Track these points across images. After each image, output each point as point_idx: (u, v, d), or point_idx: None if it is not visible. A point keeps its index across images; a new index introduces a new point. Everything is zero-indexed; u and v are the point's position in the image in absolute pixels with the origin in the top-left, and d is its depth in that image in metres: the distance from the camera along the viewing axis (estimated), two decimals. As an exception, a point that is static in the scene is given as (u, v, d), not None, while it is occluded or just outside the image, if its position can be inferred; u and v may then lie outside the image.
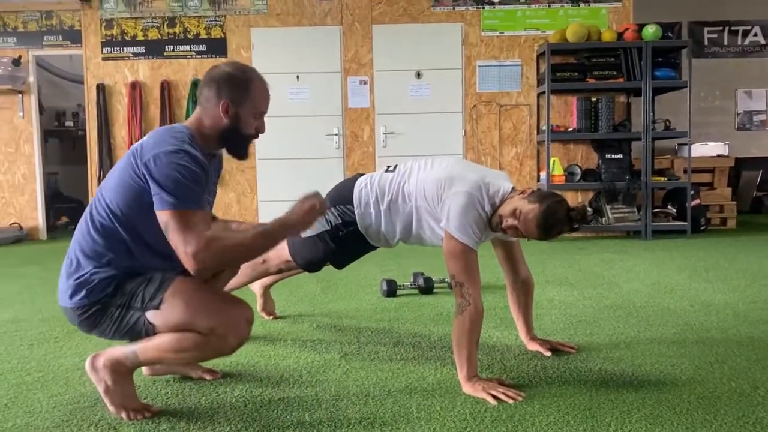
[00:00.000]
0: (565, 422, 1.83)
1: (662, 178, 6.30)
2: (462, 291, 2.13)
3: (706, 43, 8.95)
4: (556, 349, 2.51)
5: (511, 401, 1.99)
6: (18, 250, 6.09)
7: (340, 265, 2.65)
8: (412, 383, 2.19)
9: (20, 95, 6.81)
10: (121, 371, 1.93)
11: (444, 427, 1.81)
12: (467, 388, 2.08)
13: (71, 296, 1.86)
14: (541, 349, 2.49)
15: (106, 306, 1.85)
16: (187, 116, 6.36)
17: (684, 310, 3.17)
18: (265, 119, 2.02)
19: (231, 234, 1.84)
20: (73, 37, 6.66)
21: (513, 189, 2.25)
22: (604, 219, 6.20)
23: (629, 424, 1.81)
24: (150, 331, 1.85)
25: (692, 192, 6.26)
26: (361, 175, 2.56)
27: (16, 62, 6.66)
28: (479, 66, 6.45)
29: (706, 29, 8.93)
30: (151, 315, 1.84)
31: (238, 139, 1.96)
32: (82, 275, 1.85)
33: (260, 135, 2.01)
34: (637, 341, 2.65)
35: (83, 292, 1.85)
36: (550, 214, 2.09)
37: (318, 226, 2.51)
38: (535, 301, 3.12)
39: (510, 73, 6.46)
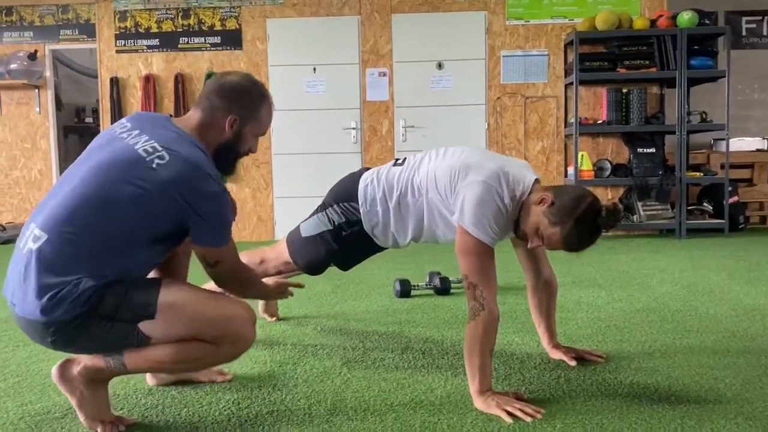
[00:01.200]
0: (590, 446, 1.58)
1: (698, 174, 5.95)
2: (475, 293, 1.88)
3: (744, 33, 8.51)
4: (582, 358, 2.25)
5: (528, 419, 1.74)
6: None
7: (344, 267, 2.42)
8: (418, 396, 1.95)
9: (37, 90, 6.71)
10: (99, 380, 1.72)
11: (450, 450, 1.58)
12: (479, 403, 1.84)
13: (48, 311, 1.56)
14: (565, 358, 2.24)
15: (87, 318, 1.59)
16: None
17: (725, 315, 2.88)
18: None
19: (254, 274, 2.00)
20: (89, 30, 6.54)
21: (536, 181, 2.01)
22: (635, 217, 5.88)
23: (666, 450, 1.55)
24: (144, 342, 1.62)
25: (730, 188, 5.91)
26: (367, 169, 2.33)
27: (32, 56, 6.57)
28: (503, 56, 6.17)
29: (744, 19, 8.50)
30: (145, 326, 1.61)
31: (232, 155, 1.85)
32: (61, 285, 1.56)
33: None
34: (673, 350, 2.38)
35: (65, 306, 1.55)
36: (573, 237, 1.89)
37: (319, 225, 2.30)
38: (560, 304, 2.87)
39: (536, 64, 6.16)
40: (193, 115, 1.78)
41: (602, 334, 2.61)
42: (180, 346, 1.63)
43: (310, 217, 2.37)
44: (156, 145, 1.64)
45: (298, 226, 2.40)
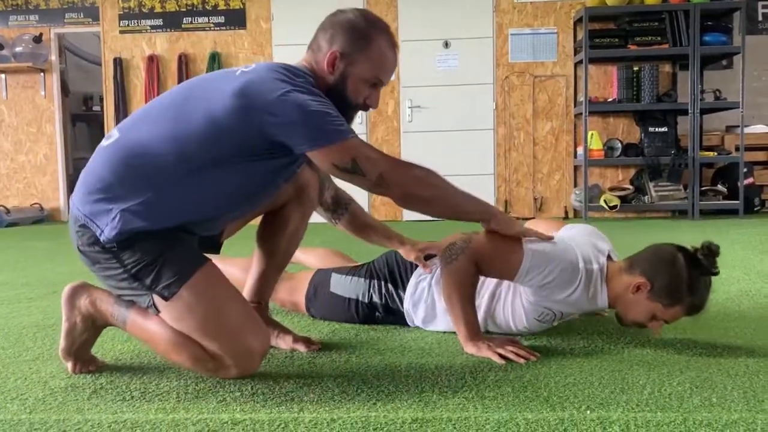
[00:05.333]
0: (587, 383, 1.47)
1: (711, 153, 5.80)
2: (462, 248, 1.72)
3: (760, 18, 8.32)
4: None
5: (522, 361, 1.63)
6: (36, 229, 5.95)
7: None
8: (407, 342, 1.85)
9: (42, 74, 6.69)
10: (98, 323, 1.62)
11: (435, 386, 1.47)
12: (469, 348, 1.73)
13: (89, 215, 1.49)
14: (565, 312, 2.12)
15: (114, 257, 1.49)
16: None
17: (737, 278, 2.76)
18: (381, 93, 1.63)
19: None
20: (94, 14, 6.52)
21: (608, 257, 1.85)
22: (646, 197, 5.74)
23: (669, 387, 1.43)
24: (154, 312, 1.52)
25: (745, 170, 5.75)
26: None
27: (37, 39, 6.55)
28: (512, 34, 6.05)
29: (760, 3, 8.30)
30: (158, 301, 1.49)
31: (340, 106, 1.52)
32: (110, 202, 1.47)
33: (370, 109, 1.64)
34: (681, 306, 2.26)
35: (99, 222, 1.47)
36: (696, 303, 1.73)
37: (356, 290, 2.04)
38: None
39: (545, 42, 6.03)
40: (304, 58, 1.59)
41: (607, 293, 2.49)
42: (176, 338, 1.49)
43: (349, 274, 2.08)
44: (250, 65, 1.54)
45: (331, 274, 2.10)
